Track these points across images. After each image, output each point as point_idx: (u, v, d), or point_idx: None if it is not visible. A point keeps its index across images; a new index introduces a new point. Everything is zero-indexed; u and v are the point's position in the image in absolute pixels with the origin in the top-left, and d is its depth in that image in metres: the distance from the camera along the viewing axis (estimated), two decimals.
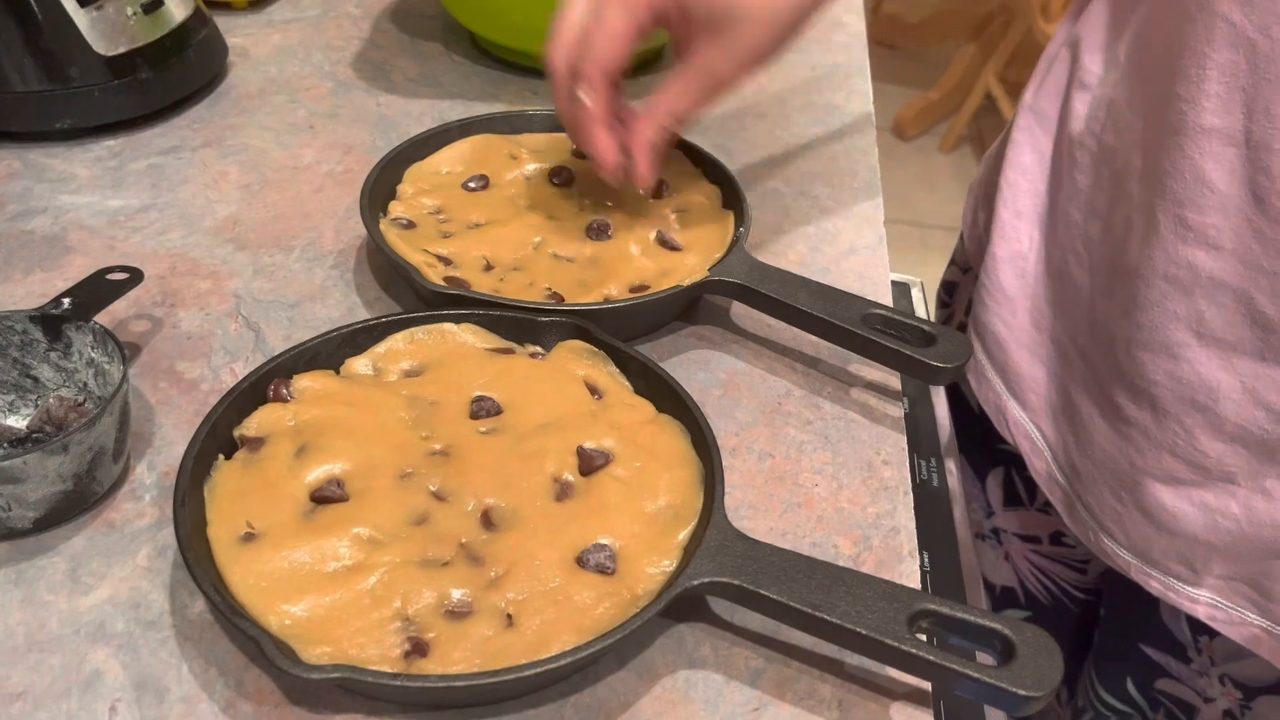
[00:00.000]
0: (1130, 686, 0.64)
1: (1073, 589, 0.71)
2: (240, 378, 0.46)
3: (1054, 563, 0.70)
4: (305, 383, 0.47)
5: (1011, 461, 0.69)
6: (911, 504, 0.48)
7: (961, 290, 0.74)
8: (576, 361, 0.49)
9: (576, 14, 0.52)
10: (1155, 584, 0.54)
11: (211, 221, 0.62)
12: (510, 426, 0.46)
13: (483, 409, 0.47)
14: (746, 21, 0.50)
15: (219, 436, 0.44)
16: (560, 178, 0.62)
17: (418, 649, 0.37)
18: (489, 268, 0.55)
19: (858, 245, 0.63)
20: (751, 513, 0.47)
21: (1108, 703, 0.65)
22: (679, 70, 0.52)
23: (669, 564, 0.41)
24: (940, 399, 0.69)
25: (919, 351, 0.50)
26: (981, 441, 0.70)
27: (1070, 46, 0.58)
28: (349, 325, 0.49)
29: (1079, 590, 0.71)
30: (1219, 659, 0.58)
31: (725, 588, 0.39)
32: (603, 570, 0.40)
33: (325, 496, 0.42)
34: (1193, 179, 0.45)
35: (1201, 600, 0.52)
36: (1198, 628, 0.58)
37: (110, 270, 0.50)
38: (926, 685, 0.41)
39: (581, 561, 0.41)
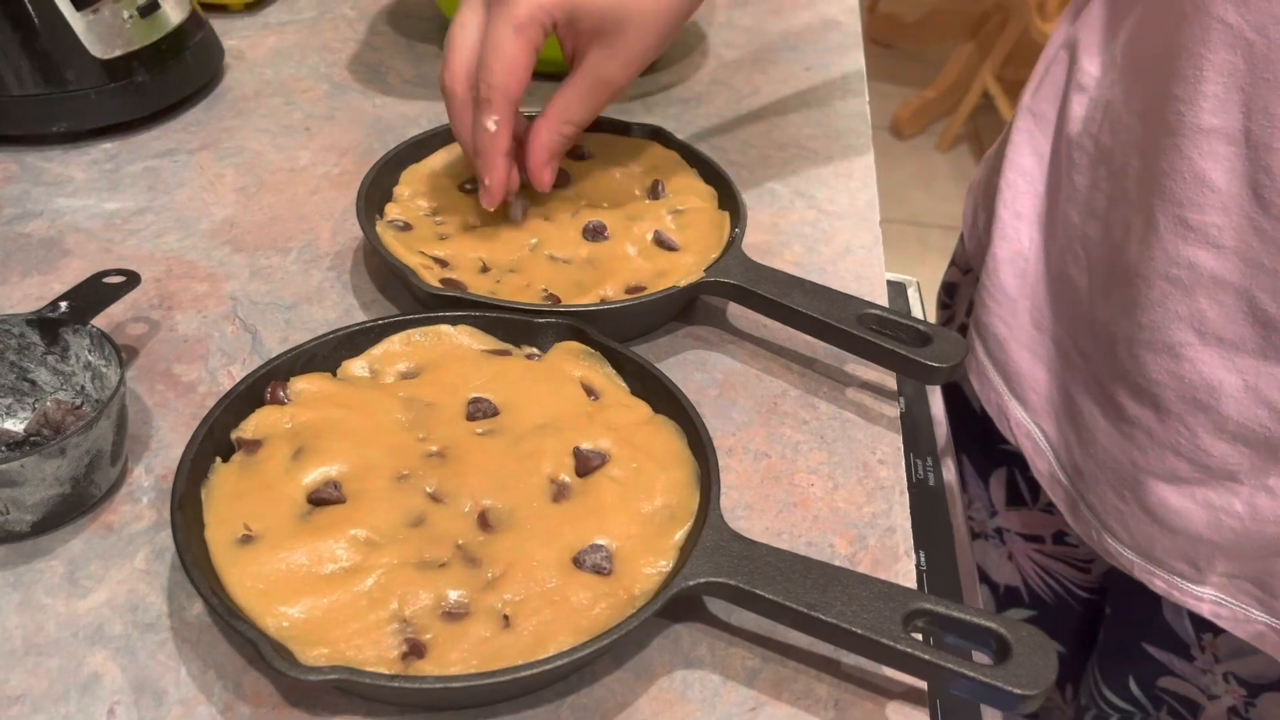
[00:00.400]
0: (1133, 685, 0.64)
1: (1076, 588, 0.71)
2: (237, 380, 0.46)
3: (1057, 562, 0.70)
4: (302, 385, 0.47)
5: (1014, 461, 0.69)
6: (907, 503, 0.48)
7: (962, 291, 0.74)
8: (573, 362, 0.49)
9: (468, 37, 0.52)
10: (1159, 582, 0.54)
11: (208, 224, 0.62)
12: (507, 428, 0.46)
13: (479, 410, 0.47)
14: (635, 28, 0.51)
15: (216, 439, 0.44)
16: (556, 179, 0.62)
17: (415, 650, 0.37)
18: (485, 269, 0.55)
19: (854, 245, 0.63)
20: (748, 513, 0.47)
21: (1111, 701, 0.65)
22: (573, 78, 0.54)
23: (665, 564, 0.41)
24: (936, 398, 0.69)
25: (914, 351, 0.50)
26: (984, 441, 0.70)
27: (1068, 48, 0.58)
28: (346, 327, 0.49)
29: (1082, 589, 0.71)
30: (1222, 656, 0.58)
31: (721, 588, 0.39)
32: (599, 571, 0.40)
33: (322, 498, 0.42)
34: (1192, 179, 0.45)
35: (1206, 598, 0.53)
36: (1201, 625, 0.58)
37: (107, 273, 0.50)
38: (922, 684, 0.41)
39: (578, 562, 0.41)
